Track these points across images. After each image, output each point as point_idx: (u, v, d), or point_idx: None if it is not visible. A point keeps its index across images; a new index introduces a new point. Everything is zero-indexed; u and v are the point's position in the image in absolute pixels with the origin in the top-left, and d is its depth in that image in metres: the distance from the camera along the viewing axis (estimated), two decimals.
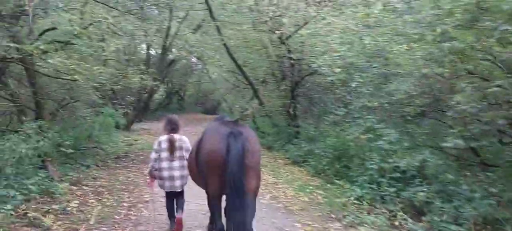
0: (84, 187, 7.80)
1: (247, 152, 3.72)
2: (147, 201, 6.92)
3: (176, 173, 5.16)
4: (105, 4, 8.72)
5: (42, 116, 8.00)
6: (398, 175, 6.84)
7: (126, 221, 5.93)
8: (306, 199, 7.22)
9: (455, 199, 5.95)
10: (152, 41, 15.47)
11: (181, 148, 5.16)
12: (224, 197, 4.08)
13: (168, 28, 17.13)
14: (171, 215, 5.38)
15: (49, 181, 7.05)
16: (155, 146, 5.18)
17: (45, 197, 6.63)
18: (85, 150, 11.19)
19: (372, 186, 6.99)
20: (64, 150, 7.95)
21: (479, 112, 5.22)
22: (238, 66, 14.94)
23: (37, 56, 6.49)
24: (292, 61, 11.76)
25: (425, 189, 6.04)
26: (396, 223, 5.84)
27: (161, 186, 5.29)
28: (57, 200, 6.56)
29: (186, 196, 6.83)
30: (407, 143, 7.66)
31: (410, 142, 7.66)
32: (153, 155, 5.19)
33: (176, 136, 5.20)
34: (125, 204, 6.77)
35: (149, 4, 12.08)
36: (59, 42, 7.84)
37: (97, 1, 8.50)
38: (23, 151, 5.79)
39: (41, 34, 8.18)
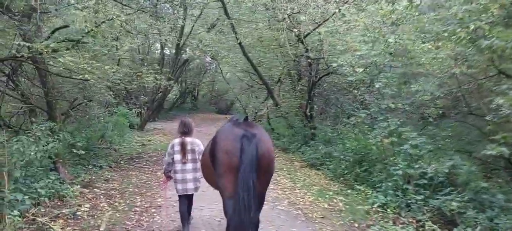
0: (95, 189, 7.57)
1: (261, 153, 3.76)
2: (160, 206, 6.65)
3: (189, 176, 5.17)
4: (119, 2, 8.48)
5: (54, 116, 7.79)
6: (425, 181, 6.42)
7: (138, 228, 5.66)
8: (326, 205, 6.85)
9: (489, 208, 5.53)
10: (166, 40, 15.25)
11: (193, 151, 5.17)
12: None
13: (182, 27, 16.89)
14: (184, 220, 5.27)
15: (60, 184, 6.84)
16: (169, 149, 5.22)
17: (56, 200, 6.43)
18: (98, 151, 11.02)
19: (397, 192, 6.58)
20: (76, 151, 7.72)
21: None
22: (253, 66, 14.61)
23: (47, 55, 6.24)
24: (309, 60, 11.36)
25: (458, 198, 5.59)
26: None
27: (175, 189, 5.28)
28: (68, 204, 6.34)
29: (199, 201, 6.63)
30: (431, 147, 7.25)
31: (433, 145, 7.23)
32: (167, 158, 5.25)
33: (188, 139, 5.20)
34: (137, 208, 6.50)
35: (163, 2, 11.83)
36: (71, 40, 7.61)
37: None
38: (32, 153, 5.56)
39: (53, 32, 7.97)
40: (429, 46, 7.49)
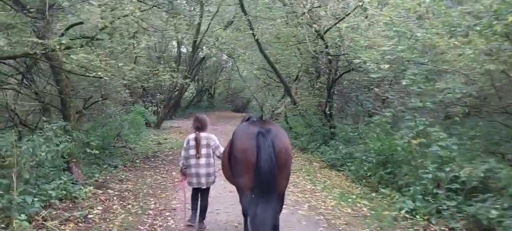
0: (109, 190, 7.35)
1: (278, 148, 3.80)
2: (174, 209, 6.38)
3: (202, 170, 5.23)
4: None
5: (68, 115, 7.61)
6: (457, 186, 5.96)
7: None
8: (350, 210, 6.44)
9: None
10: (183, 38, 15.06)
11: (208, 146, 5.25)
12: None
13: (199, 24, 16.67)
14: (194, 208, 5.37)
15: (73, 185, 6.63)
16: (185, 144, 5.33)
17: (68, 202, 6.22)
18: (113, 150, 10.87)
19: (426, 197, 6.13)
20: (90, 150, 7.53)
21: None
22: (270, 63, 14.26)
23: (60, 52, 6.03)
24: (329, 57, 10.92)
25: (497, 205, 5.12)
26: None
27: (189, 183, 5.37)
28: (80, 206, 6.13)
29: (216, 204, 6.36)
30: (462, 148, 6.78)
31: (459, 146, 6.76)
32: (183, 153, 5.35)
33: (202, 134, 5.29)
34: (150, 211, 6.23)
35: None
36: (85, 37, 7.42)
37: None
38: (43, 153, 5.34)
39: (67, 29, 7.80)
40: (456, 42, 7.03)
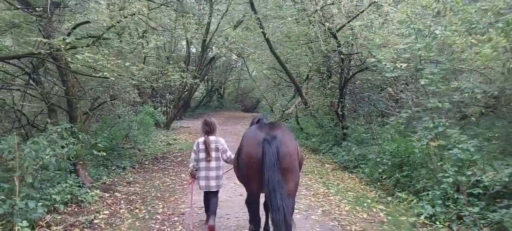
0: (116, 193, 7.18)
1: (283, 155, 3.94)
2: (183, 213, 6.17)
3: (212, 173, 5.31)
4: None
5: (75, 116, 7.45)
6: (479, 190, 5.64)
7: None
8: (365, 215, 6.16)
9: None
10: (192, 37, 14.87)
11: (217, 149, 5.34)
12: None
13: (208, 24, 16.48)
14: (207, 209, 5.42)
15: (79, 188, 6.46)
16: (194, 147, 5.39)
17: (73, 206, 6.06)
18: (122, 151, 10.71)
19: (446, 202, 5.83)
20: (96, 153, 7.36)
21: None
22: (280, 62, 14.00)
23: (65, 52, 5.86)
24: (342, 56, 10.61)
25: None
26: None
27: (199, 186, 5.41)
28: (85, 210, 5.95)
29: (226, 209, 6.16)
30: (484, 151, 6.45)
31: (481, 149, 6.43)
32: (193, 156, 5.40)
33: (211, 138, 5.36)
34: (158, 216, 6.02)
35: None
36: (91, 37, 7.26)
37: None
38: (47, 156, 5.16)
39: (74, 28, 7.66)
40: (472, 40, 6.70)
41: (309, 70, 14.67)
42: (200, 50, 19.63)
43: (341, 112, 11.88)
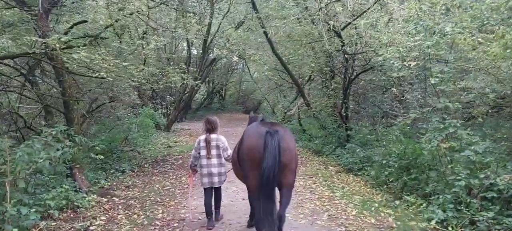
0: (114, 198, 6.94)
1: (283, 149, 4.06)
2: (183, 219, 5.92)
3: (214, 170, 5.45)
4: None
5: (71, 118, 7.22)
6: (493, 194, 5.38)
7: None
8: (373, 220, 5.90)
9: None
10: (193, 38, 14.66)
11: (218, 147, 5.48)
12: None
13: (209, 24, 16.26)
14: (209, 213, 5.51)
15: (75, 192, 6.22)
16: (196, 145, 5.56)
17: (69, 212, 5.82)
18: (121, 154, 10.48)
19: (459, 207, 5.57)
20: (94, 156, 7.12)
21: None
22: (282, 63, 13.76)
23: (60, 52, 5.64)
24: (346, 55, 10.37)
25: None
26: None
27: (202, 183, 5.54)
28: (81, 216, 5.71)
29: (229, 214, 5.97)
30: (496, 152, 6.20)
31: (494, 151, 6.19)
32: (194, 153, 5.59)
33: (213, 136, 5.49)
34: (157, 222, 5.77)
35: None
36: (89, 36, 7.04)
37: None
38: (40, 160, 4.93)
39: (71, 27, 7.45)
40: (479, 39, 6.46)
41: (312, 71, 14.43)
42: (201, 51, 19.42)
43: (344, 114, 11.64)
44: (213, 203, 5.55)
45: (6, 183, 4.40)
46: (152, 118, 16.06)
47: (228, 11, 17.15)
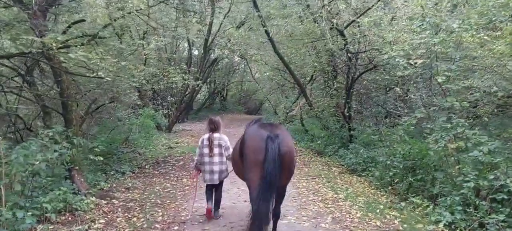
0: (114, 200, 6.80)
1: (283, 153, 4.29)
2: (184, 222, 5.78)
3: (216, 168, 5.75)
4: None
5: (70, 119, 7.07)
6: (504, 196, 5.22)
7: None
8: (378, 223, 5.75)
9: None
10: (194, 38, 14.50)
11: (220, 146, 5.78)
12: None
13: (210, 23, 16.11)
14: (209, 199, 5.86)
15: (74, 195, 6.08)
16: (199, 143, 5.87)
17: (67, 215, 5.68)
18: (121, 155, 10.34)
19: (467, 209, 5.42)
20: (93, 157, 6.98)
21: None
22: (284, 63, 13.62)
23: (57, 51, 5.50)
24: (349, 54, 10.21)
25: None
26: None
27: (204, 180, 5.87)
28: (80, 219, 5.57)
29: (230, 217, 5.86)
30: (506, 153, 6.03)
31: (504, 151, 6.02)
32: (198, 151, 5.87)
33: (215, 135, 5.80)
34: (157, 225, 5.62)
35: None
36: (87, 35, 6.90)
37: None
38: (37, 162, 4.80)
39: (69, 27, 7.32)
40: (485, 37, 6.30)
41: (314, 71, 14.28)
42: (202, 51, 19.27)
43: (347, 114, 11.48)
44: (213, 196, 5.89)
45: (1, 186, 4.26)
46: (153, 119, 15.89)
47: (229, 10, 16.98)
